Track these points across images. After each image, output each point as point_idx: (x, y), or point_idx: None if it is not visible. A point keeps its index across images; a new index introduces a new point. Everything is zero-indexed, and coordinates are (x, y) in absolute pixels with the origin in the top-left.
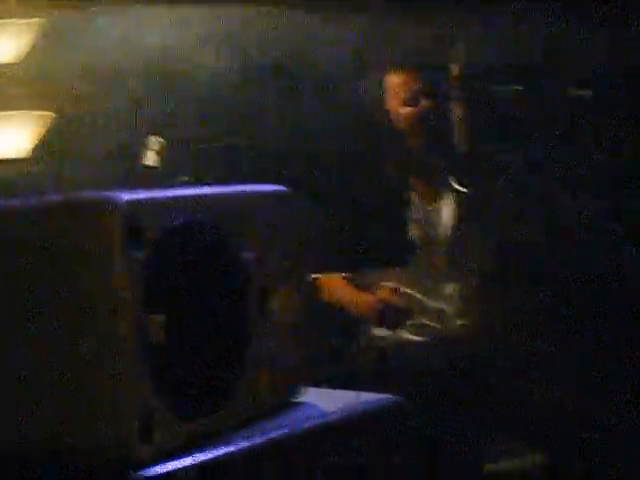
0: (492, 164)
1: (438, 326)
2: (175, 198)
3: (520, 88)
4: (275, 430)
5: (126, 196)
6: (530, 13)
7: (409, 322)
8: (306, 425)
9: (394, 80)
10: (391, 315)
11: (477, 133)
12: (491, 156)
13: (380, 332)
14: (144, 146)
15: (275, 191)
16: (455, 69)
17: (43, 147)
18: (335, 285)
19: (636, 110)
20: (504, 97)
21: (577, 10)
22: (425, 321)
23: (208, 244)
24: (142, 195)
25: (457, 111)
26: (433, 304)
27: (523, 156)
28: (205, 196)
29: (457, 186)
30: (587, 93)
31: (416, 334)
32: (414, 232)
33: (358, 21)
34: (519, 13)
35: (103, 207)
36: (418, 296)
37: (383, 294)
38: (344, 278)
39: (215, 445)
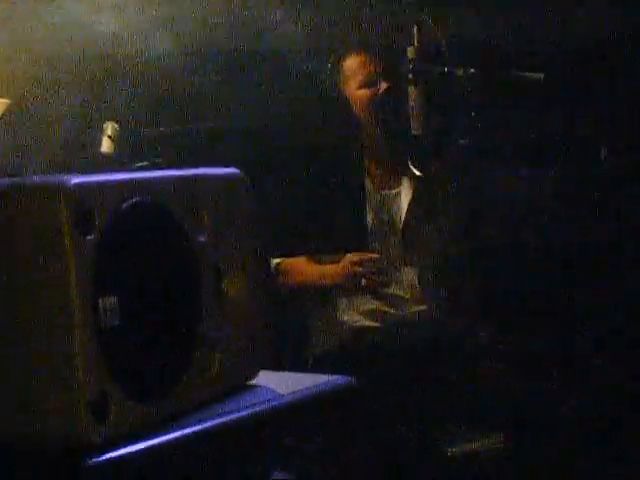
0: (448, 148)
1: (393, 311)
2: (125, 181)
3: (474, 70)
4: (229, 413)
5: (75, 179)
6: None
7: (368, 308)
8: (260, 408)
9: (351, 62)
10: (362, 275)
11: (433, 116)
12: (446, 140)
13: (339, 317)
14: (99, 132)
15: (229, 174)
16: (412, 51)
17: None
18: (300, 265)
19: (585, 92)
20: (460, 79)
21: None
22: (380, 306)
23: (159, 226)
24: (91, 178)
25: (413, 94)
26: (391, 290)
27: (477, 139)
28: (157, 178)
29: (414, 169)
30: (538, 76)
31: (372, 319)
32: (370, 217)
33: (316, 1)
34: None
35: (52, 190)
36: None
37: (349, 259)
38: (308, 259)
39: (169, 429)
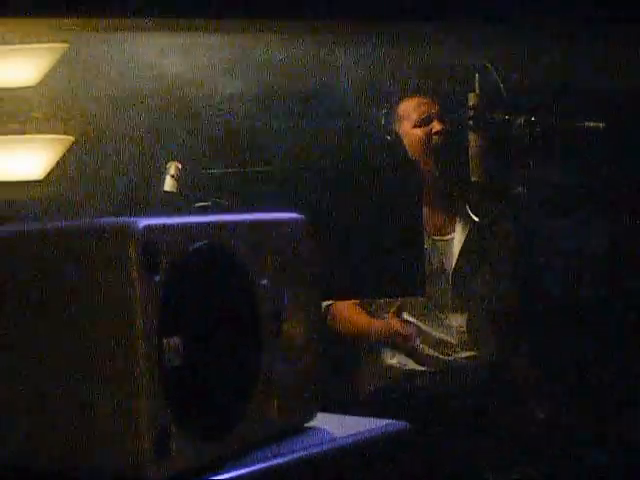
0: (505, 196)
1: (441, 356)
2: (192, 224)
3: (534, 119)
4: (286, 454)
5: (144, 221)
6: (547, 44)
7: (415, 350)
8: (316, 450)
9: (407, 104)
10: (403, 338)
11: (492, 163)
12: (505, 187)
13: (387, 361)
14: (163, 172)
15: (291, 218)
16: (473, 97)
17: (62, 171)
18: (349, 311)
19: None
20: (520, 127)
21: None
22: (429, 351)
23: (223, 269)
24: (159, 220)
25: (473, 140)
26: (437, 334)
27: (537, 188)
28: (222, 222)
29: (472, 215)
30: (598, 125)
31: (420, 364)
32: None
33: (376, 46)
34: (536, 43)
35: (122, 232)
36: (423, 327)
37: (394, 320)
38: (357, 305)
39: (228, 468)
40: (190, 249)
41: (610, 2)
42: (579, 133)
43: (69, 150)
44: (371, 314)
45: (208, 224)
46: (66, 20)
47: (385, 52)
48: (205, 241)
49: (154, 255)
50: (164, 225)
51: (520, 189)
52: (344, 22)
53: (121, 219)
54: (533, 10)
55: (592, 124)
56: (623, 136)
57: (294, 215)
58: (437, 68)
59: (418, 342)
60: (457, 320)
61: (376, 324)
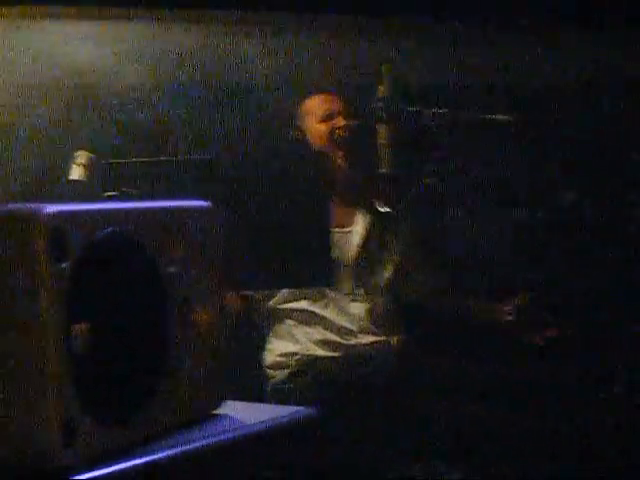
0: (413, 187)
1: (343, 342)
2: (99, 211)
3: (443, 111)
4: (194, 441)
5: (50, 208)
6: (459, 36)
7: (320, 338)
8: (224, 436)
9: (312, 101)
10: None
11: (401, 155)
12: (412, 178)
13: (291, 347)
14: (71, 161)
15: (199, 206)
16: (381, 90)
17: None
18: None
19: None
20: (429, 119)
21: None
22: (334, 337)
23: (131, 256)
24: (66, 207)
25: (382, 132)
26: (339, 322)
27: (443, 179)
28: (129, 210)
29: (379, 207)
30: (507, 117)
31: (326, 350)
32: (332, 252)
33: (284, 38)
34: (447, 35)
35: (27, 218)
36: (326, 315)
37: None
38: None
39: (134, 454)
40: (97, 236)
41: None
42: (488, 126)
43: None
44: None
45: (115, 211)
46: None
47: (296, 44)
48: (112, 228)
49: (61, 242)
50: (71, 212)
51: (429, 180)
52: (257, 12)
53: (28, 205)
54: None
55: (501, 117)
56: (532, 131)
57: (202, 203)
58: (346, 61)
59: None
60: (357, 308)
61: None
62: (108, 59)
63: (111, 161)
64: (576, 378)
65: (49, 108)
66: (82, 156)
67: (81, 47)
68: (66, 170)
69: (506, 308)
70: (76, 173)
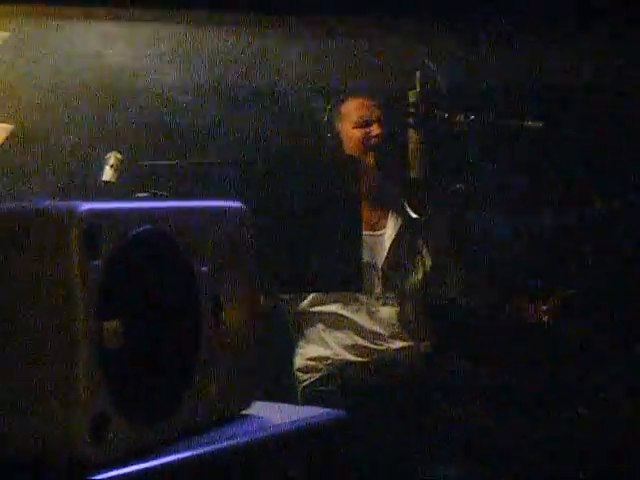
0: (445, 193)
1: (374, 347)
2: (133, 209)
3: (474, 117)
4: (222, 440)
5: (85, 205)
6: (491, 44)
7: (350, 343)
8: (254, 436)
9: (348, 104)
10: None
11: (432, 161)
12: (445, 185)
13: (322, 352)
14: (103, 162)
15: (232, 207)
16: (413, 95)
17: (1, 159)
18: None
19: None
20: (460, 125)
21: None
22: (364, 342)
23: (164, 255)
24: (101, 205)
25: (413, 138)
26: (369, 326)
27: (476, 187)
28: (163, 209)
29: (410, 212)
30: (537, 124)
31: (356, 355)
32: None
33: (319, 43)
34: (478, 44)
35: (64, 215)
36: (357, 319)
37: None
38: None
39: (164, 452)
40: (131, 234)
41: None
42: (518, 132)
43: (8, 138)
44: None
45: (149, 209)
46: (7, 7)
47: (330, 49)
48: (146, 226)
49: (95, 239)
50: (105, 209)
51: (459, 186)
52: (290, 17)
53: (63, 202)
54: (475, 10)
55: (531, 123)
56: (562, 136)
57: (235, 203)
58: (379, 65)
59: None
60: (388, 313)
61: None
62: (142, 60)
63: (142, 163)
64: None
65: (83, 109)
66: (113, 157)
67: (116, 48)
68: (99, 171)
69: (544, 307)
70: (108, 174)
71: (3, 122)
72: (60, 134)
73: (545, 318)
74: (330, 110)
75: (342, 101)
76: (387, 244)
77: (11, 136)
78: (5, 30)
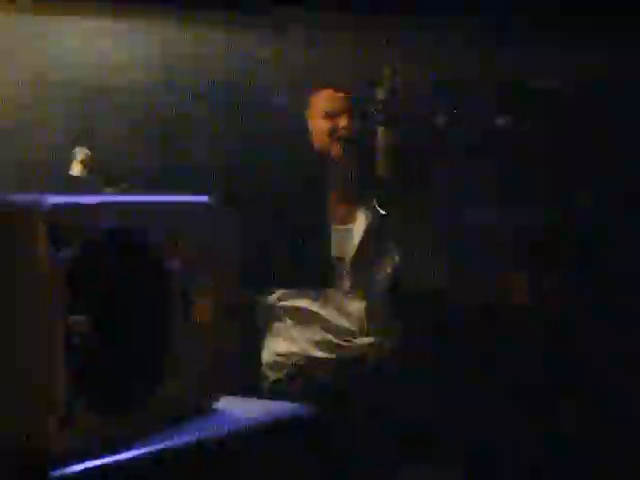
0: (413, 188)
1: (344, 344)
2: (101, 203)
3: (446, 114)
4: (190, 434)
5: (52, 199)
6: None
7: (318, 339)
8: (221, 431)
9: (319, 95)
10: None
11: (400, 157)
12: (412, 180)
13: (289, 348)
14: (71, 156)
15: (201, 202)
16: (382, 92)
17: None
18: None
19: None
20: (430, 122)
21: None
22: (332, 339)
23: (133, 250)
24: (68, 198)
25: (381, 134)
26: (340, 322)
27: (444, 182)
28: (132, 203)
29: (379, 209)
30: (507, 121)
31: (323, 351)
32: (332, 249)
33: (290, 37)
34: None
35: (30, 208)
36: (325, 314)
37: None
38: None
39: (129, 446)
40: (99, 229)
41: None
42: (489, 129)
43: None
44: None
45: (117, 204)
46: None
47: (304, 46)
48: (114, 221)
49: (61, 232)
50: (72, 203)
51: (428, 182)
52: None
53: (29, 196)
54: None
55: (501, 121)
56: (532, 134)
57: (204, 199)
58: (351, 61)
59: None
60: (356, 308)
61: None
62: (126, 58)
63: (113, 159)
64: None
65: (60, 104)
66: (80, 152)
67: (98, 44)
68: (68, 166)
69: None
70: (76, 169)
71: None
72: (35, 130)
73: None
74: (301, 103)
75: (312, 92)
76: (356, 238)
77: None
78: None
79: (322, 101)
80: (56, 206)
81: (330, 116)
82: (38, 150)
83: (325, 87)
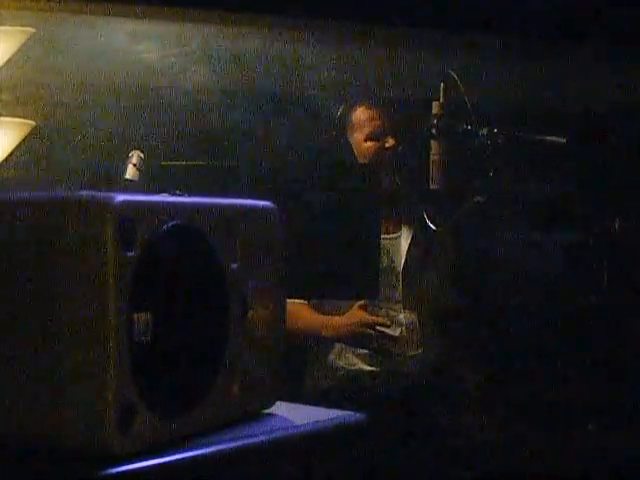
0: (464, 204)
1: (391, 355)
2: (167, 203)
3: (497, 130)
4: (244, 438)
5: (121, 196)
6: (514, 57)
7: (366, 351)
8: (276, 434)
9: (360, 114)
10: (364, 333)
11: (453, 172)
12: (464, 196)
13: (335, 361)
14: (125, 160)
15: (263, 206)
16: (437, 106)
17: (23, 155)
18: (302, 311)
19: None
20: (482, 138)
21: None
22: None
23: (194, 250)
24: (135, 197)
25: (435, 148)
26: (391, 333)
27: (495, 199)
28: (195, 204)
29: (430, 223)
30: (561, 140)
31: (369, 364)
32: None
33: (343, 47)
34: (503, 56)
35: (98, 205)
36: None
37: (360, 312)
38: (311, 306)
39: (186, 447)
40: (164, 228)
41: (577, 22)
42: (541, 147)
43: (31, 135)
44: (326, 314)
45: (182, 204)
46: (33, 2)
47: (355, 54)
48: (179, 220)
49: (129, 231)
50: (140, 202)
51: (479, 198)
52: (321, 21)
53: (97, 193)
54: (503, 25)
55: (554, 138)
56: (584, 153)
57: (267, 203)
58: (403, 74)
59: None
60: (407, 318)
61: (334, 320)
62: (172, 60)
63: (163, 163)
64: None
65: (108, 107)
66: (136, 156)
67: (144, 46)
68: (122, 170)
69: None
70: (130, 173)
71: (26, 118)
72: (85, 131)
73: None
74: (339, 118)
75: (354, 108)
76: (404, 246)
77: (36, 133)
78: (31, 26)
79: (366, 121)
80: (125, 203)
81: (375, 138)
82: (89, 152)
83: (366, 105)
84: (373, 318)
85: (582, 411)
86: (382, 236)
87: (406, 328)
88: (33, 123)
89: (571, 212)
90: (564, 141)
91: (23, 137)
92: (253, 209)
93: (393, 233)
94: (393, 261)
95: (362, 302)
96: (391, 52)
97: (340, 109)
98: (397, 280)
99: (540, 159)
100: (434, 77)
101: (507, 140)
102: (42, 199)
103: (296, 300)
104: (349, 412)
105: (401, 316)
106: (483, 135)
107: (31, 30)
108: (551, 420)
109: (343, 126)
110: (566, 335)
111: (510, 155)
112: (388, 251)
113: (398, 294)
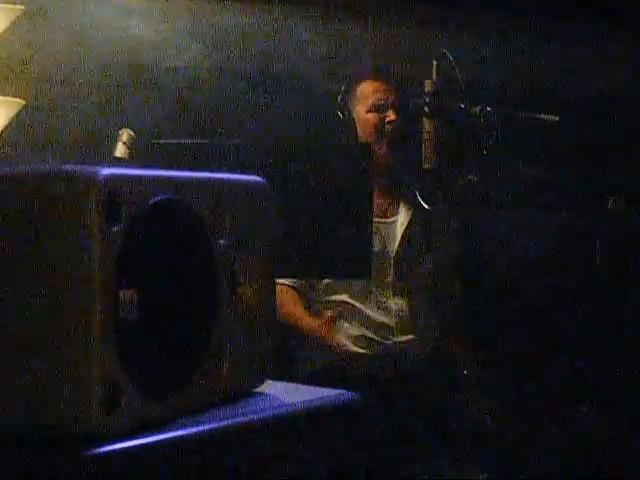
0: (457, 183)
1: (383, 340)
2: (153, 177)
3: (490, 109)
4: (234, 417)
5: (106, 170)
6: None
7: (356, 334)
8: (266, 413)
9: (364, 86)
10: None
11: (445, 151)
12: (457, 175)
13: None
14: (115, 137)
15: (254, 181)
16: (429, 84)
17: (12, 131)
18: (283, 298)
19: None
20: (475, 116)
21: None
22: (371, 335)
23: (183, 225)
24: (122, 170)
25: (427, 127)
26: (379, 318)
27: (488, 178)
28: (184, 178)
29: (422, 203)
30: (554, 118)
31: (360, 346)
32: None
33: (337, 23)
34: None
35: (83, 179)
36: (365, 310)
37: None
38: (297, 288)
39: (174, 426)
40: (150, 202)
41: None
42: (534, 125)
43: (20, 112)
44: (308, 302)
45: (169, 178)
46: None
47: (348, 30)
48: (165, 195)
49: (115, 205)
50: (125, 175)
51: (472, 177)
52: None
53: (82, 166)
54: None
55: (547, 117)
56: (578, 132)
57: (256, 178)
58: (396, 51)
59: (343, 341)
60: (397, 303)
61: (305, 320)
62: (161, 36)
63: (153, 141)
64: None
65: (98, 83)
66: (125, 134)
67: (134, 21)
68: (111, 147)
69: None
70: (120, 151)
71: (15, 96)
72: (74, 108)
73: None
74: (345, 91)
75: (358, 83)
76: (399, 232)
77: (21, 110)
78: (21, 3)
79: (369, 94)
80: (110, 177)
81: (377, 109)
82: (78, 129)
83: (372, 79)
84: (333, 336)
85: (577, 391)
86: (378, 220)
87: (395, 315)
88: (22, 102)
89: (564, 191)
90: (557, 119)
91: (11, 115)
92: (242, 184)
93: (389, 217)
94: (386, 246)
95: (334, 314)
96: (385, 29)
97: (344, 84)
98: (389, 265)
99: (535, 139)
100: (428, 55)
101: (500, 118)
102: (26, 174)
103: (285, 281)
104: (341, 391)
105: (390, 302)
106: (476, 113)
107: (20, 7)
108: (546, 401)
109: (345, 101)
110: (561, 314)
111: (504, 134)
112: (383, 236)
113: (389, 280)
